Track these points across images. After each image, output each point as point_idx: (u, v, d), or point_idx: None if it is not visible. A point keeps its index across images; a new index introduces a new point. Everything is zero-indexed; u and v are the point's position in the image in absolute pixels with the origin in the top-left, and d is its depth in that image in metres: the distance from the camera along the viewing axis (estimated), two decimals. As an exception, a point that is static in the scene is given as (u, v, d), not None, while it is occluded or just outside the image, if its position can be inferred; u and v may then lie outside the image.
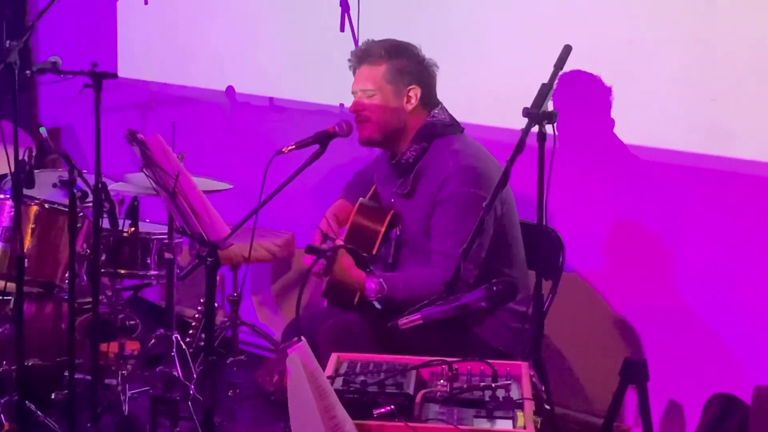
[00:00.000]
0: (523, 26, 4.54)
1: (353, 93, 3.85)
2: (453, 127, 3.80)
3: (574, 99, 4.29)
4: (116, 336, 4.59)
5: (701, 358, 4.19)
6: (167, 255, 4.46)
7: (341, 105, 5.04)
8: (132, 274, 4.58)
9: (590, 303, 4.49)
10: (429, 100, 3.80)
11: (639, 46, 4.22)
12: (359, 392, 2.81)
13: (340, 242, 3.68)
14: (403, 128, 3.77)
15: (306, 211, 4.99)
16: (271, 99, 5.49)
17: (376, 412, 2.75)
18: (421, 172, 3.74)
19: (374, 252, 3.73)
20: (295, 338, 2.57)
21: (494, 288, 2.88)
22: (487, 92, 4.55)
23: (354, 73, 3.86)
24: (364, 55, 3.80)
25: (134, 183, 4.51)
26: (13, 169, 3.91)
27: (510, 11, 4.57)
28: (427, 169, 3.73)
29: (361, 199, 3.88)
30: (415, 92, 3.76)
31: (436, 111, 3.79)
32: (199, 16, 5.77)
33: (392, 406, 2.75)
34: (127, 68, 5.88)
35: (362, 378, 2.89)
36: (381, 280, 3.24)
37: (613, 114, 4.31)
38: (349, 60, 3.88)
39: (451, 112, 3.84)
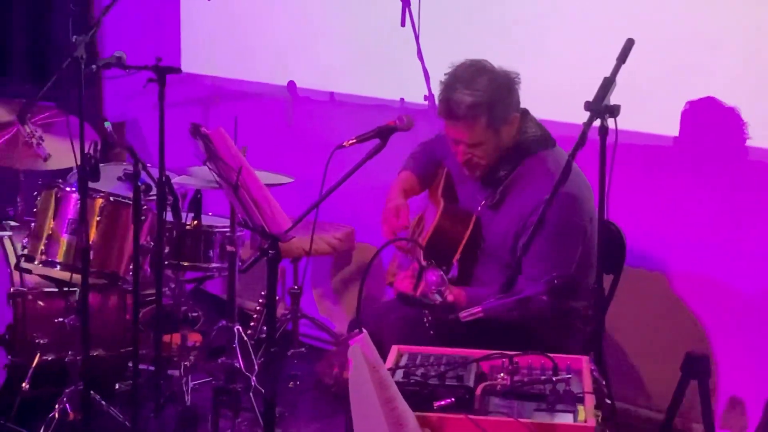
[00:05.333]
0: (585, 19, 4.51)
1: (453, 141, 3.70)
2: (544, 141, 3.69)
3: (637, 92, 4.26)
4: (179, 327, 4.63)
5: (764, 353, 4.14)
6: (229, 248, 4.49)
7: (401, 99, 5.04)
8: (195, 267, 4.61)
9: (652, 298, 4.46)
10: (520, 108, 3.70)
11: (702, 39, 4.18)
12: (420, 384, 2.81)
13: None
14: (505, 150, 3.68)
15: (366, 205, 5.00)
16: (331, 93, 5.50)
17: (436, 404, 2.75)
18: (510, 187, 3.65)
19: (457, 257, 3.68)
20: (357, 330, 2.58)
21: (555, 282, 2.86)
22: (548, 86, 4.51)
23: (446, 122, 3.68)
24: (455, 113, 3.60)
25: (197, 176, 4.54)
26: (79, 163, 3.95)
27: (572, 3, 4.55)
28: (516, 185, 3.64)
29: (443, 201, 3.83)
30: (514, 118, 3.65)
31: (528, 125, 3.68)
32: (261, 12, 5.80)
33: (452, 399, 2.75)
34: (190, 63, 5.93)
35: (423, 370, 2.90)
36: (441, 272, 3.22)
37: (673, 107, 4.27)
38: (438, 111, 3.71)
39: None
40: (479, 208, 3.74)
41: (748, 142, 4.12)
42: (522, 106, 3.73)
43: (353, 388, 2.52)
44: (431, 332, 3.33)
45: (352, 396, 2.53)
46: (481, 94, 3.56)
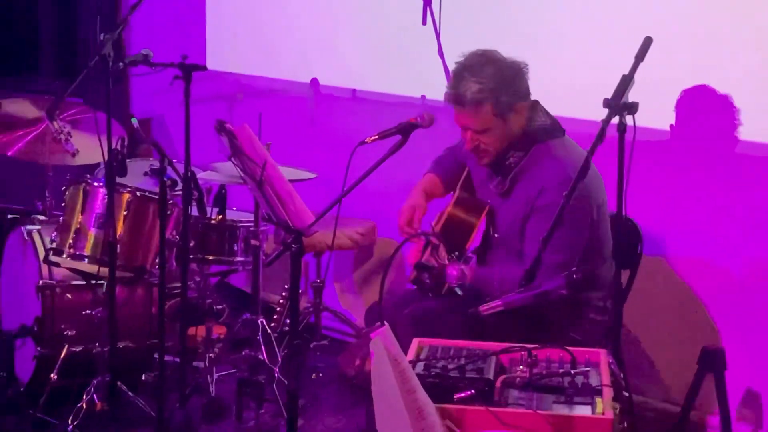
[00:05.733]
0: (604, 17, 4.50)
1: (461, 127, 3.75)
2: (553, 131, 3.72)
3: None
4: (204, 320, 4.65)
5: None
6: (253, 242, 4.50)
7: (422, 96, 5.04)
8: (219, 260, 4.62)
9: (668, 292, 4.45)
10: (529, 97, 3.72)
11: (720, 38, 4.16)
12: (440, 377, 2.82)
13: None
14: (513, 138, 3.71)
15: (388, 201, 5.00)
16: (354, 91, 5.50)
17: (456, 396, 2.76)
18: (519, 174, 3.69)
19: (468, 245, 3.70)
20: (378, 323, 2.59)
21: (574, 276, 2.87)
22: (567, 83, 4.51)
23: (455, 108, 3.73)
24: (462, 100, 3.66)
25: (222, 172, 4.55)
26: (106, 158, 3.97)
27: (591, 2, 4.53)
28: (525, 173, 3.68)
29: (458, 191, 3.85)
30: (522, 107, 3.67)
31: (537, 114, 3.71)
32: (284, 9, 5.81)
33: (472, 391, 2.76)
34: (214, 61, 5.93)
35: (443, 363, 2.91)
36: (463, 267, 3.24)
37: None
38: (445, 98, 3.76)
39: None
40: (488, 196, 3.78)
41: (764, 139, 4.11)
42: (540, 101, 3.75)
43: (375, 379, 2.53)
44: (429, 294, 3.35)
45: (374, 387, 2.54)
46: (487, 82, 3.61)
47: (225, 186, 4.60)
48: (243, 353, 4.54)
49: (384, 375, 2.49)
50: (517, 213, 3.67)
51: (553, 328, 3.57)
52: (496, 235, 3.77)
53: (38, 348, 4.49)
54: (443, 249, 3.51)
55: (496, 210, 3.77)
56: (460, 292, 3.20)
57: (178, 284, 4.33)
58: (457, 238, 3.67)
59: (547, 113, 3.76)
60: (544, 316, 3.49)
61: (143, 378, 4.49)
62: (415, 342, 3.10)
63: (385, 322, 2.58)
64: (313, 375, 4.91)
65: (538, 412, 2.68)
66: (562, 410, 2.73)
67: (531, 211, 3.61)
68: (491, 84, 3.62)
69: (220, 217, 4.54)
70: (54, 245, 4.39)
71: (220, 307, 4.76)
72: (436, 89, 4.93)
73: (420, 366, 2.89)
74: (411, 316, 3.62)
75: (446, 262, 3.46)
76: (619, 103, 2.97)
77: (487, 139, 3.68)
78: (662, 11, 4.28)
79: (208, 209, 4.45)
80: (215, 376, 4.53)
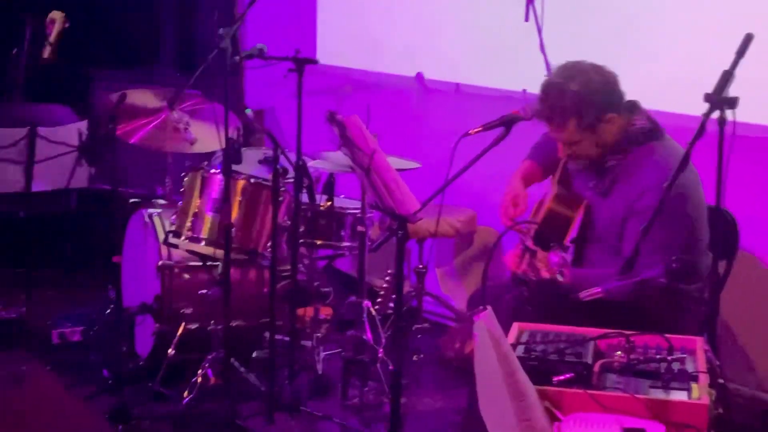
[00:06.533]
0: (704, 12, 4.43)
1: (555, 138, 3.73)
2: (653, 133, 3.64)
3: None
4: (312, 302, 4.70)
5: None
6: (360, 228, 4.53)
7: (524, 91, 5.02)
8: (327, 245, 4.64)
9: (762, 283, 4.37)
10: (622, 108, 3.64)
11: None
12: (540, 360, 2.83)
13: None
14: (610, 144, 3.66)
15: (488, 191, 5.01)
16: (457, 85, 5.51)
17: (555, 379, 2.76)
18: (618, 176, 3.63)
19: (567, 240, 3.67)
20: (482, 306, 2.60)
21: (673, 265, 2.84)
22: (667, 78, 4.45)
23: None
24: (547, 116, 3.62)
25: (330, 161, 4.60)
26: (223, 147, 4.04)
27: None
28: (625, 175, 3.62)
29: (557, 187, 3.83)
30: (612, 117, 3.59)
31: (636, 117, 3.64)
32: (392, 6, 5.84)
33: (571, 374, 2.76)
34: (324, 55, 5.99)
35: (543, 347, 2.91)
36: (563, 254, 3.23)
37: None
38: (535, 113, 3.66)
39: (631, 97, 3.73)
40: (590, 195, 3.73)
41: None
42: (640, 97, 3.69)
43: (478, 361, 2.55)
44: (529, 308, 3.34)
45: (476, 368, 2.56)
46: (571, 98, 3.55)
47: (333, 174, 4.65)
48: (348, 334, 4.58)
49: (486, 356, 2.51)
50: (615, 213, 3.61)
51: (650, 316, 3.53)
52: (592, 232, 3.73)
53: (157, 325, 4.59)
54: (541, 253, 3.49)
55: (594, 208, 3.71)
56: (561, 279, 3.19)
57: (288, 267, 4.40)
58: (556, 232, 3.65)
59: (647, 115, 3.68)
60: (641, 304, 3.46)
61: (254, 355, 4.55)
62: (515, 326, 3.11)
63: (488, 306, 2.59)
64: (415, 356, 4.93)
65: (635, 395, 2.67)
66: (658, 395, 2.71)
67: (631, 213, 3.54)
68: (576, 99, 3.55)
69: (329, 203, 4.57)
70: (173, 228, 4.48)
71: (327, 289, 4.80)
72: (537, 83, 4.93)
73: (520, 349, 2.90)
74: (511, 302, 3.61)
75: (543, 273, 3.41)
76: (720, 98, 2.93)
77: (578, 150, 3.64)
78: (763, 7, 4.20)
79: (317, 196, 4.49)
80: (322, 355, 4.58)
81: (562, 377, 2.76)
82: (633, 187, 3.57)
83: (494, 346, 2.51)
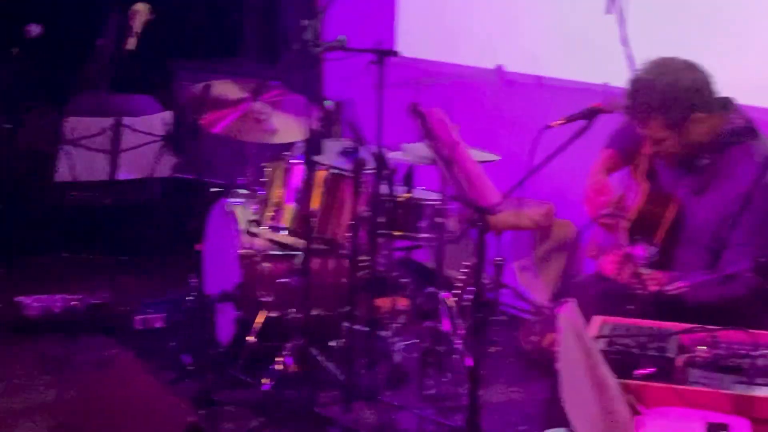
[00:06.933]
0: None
1: (642, 134, 3.68)
2: (748, 132, 3.58)
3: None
4: (389, 292, 4.71)
5: None
6: (438, 219, 4.53)
7: (605, 84, 4.98)
8: (405, 236, 4.64)
9: None
10: (714, 107, 3.57)
11: None
12: (622, 353, 2.81)
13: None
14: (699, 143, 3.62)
15: (566, 183, 4.98)
16: (538, 77, 5.48)
17: (637, 372, 2.75)
18: (713, 174, 3.57)
19: (658, 239, 3.63)
20: (565, 299, 2.59)
21: (762, 260, 2.81)
22: (758, 71, 4.37)
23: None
24: (632, 113, 3.60)
25: (409, 152, 4.60)
26: (305, 138, 4.07)
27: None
28: (720, 174, 3.55)
29: (647, 184, 3.77)
30: (699, 117, 3.53)
31: (732, 115, 3.58)
32: (471, -2, 5.84)
33: (654, 368, 2.74)
34: (404, 47, 6.00)
35: (625, 340, 2.89)
36: (649, 248, 3.20)
37: None
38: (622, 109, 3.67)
39: (724, 93, 3.64)
40: (682, 193, 3.68)
41: None
42: (729, 93, 3.62)
43: (561, 353, 2.54)
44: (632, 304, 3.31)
45: (560, 360, 2.55)
46: (657, 97, 3.50)
47: (412, 166, 4.65)
48: (425, 325, 4.59)
49: (570, 349, 2.50)
50: (711, 213, 3.53)
51: (734, 312, 3.49)
52: (684, 233, 3.65)
53: (238, 312, 4.64)
54: (625, 233, 3.45)
55: (686, 207, 3.63)
56: (647, 272, 3.16)
57: (367, 257, 4.42)
58: (647, 231, 3.60)
59: (742, 114, 3.61)
60: (727, 300, 3.41)
61: (332, 344, 4.58)
62: (597, 319, 3.09)
63: (572, 299, 2.59)
64: (492, 348, 4.92)
65: (719, 391, 2.65)
66: (742, 390, 2.68)
67: (728, 214, 3.45)
68: (662, 98, 3.50)
69: (408, 195, 4.58)
70: (254, 217, 4.53)
71: (405, 280, 4.82)
72: (619, 77, 4.89)
73: (602, 342, 2.89)
74: (595, 296, 3.59)
75: (652, 287, 3.35)
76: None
77: (665, 147, 3.59)
78: None
79: (397, 188, 4.51)
80: (399, 345, 4.60)
81: (644, 371, 2.74)
82: (730, 188, 3.50)
83: (577, 339, 2.51)
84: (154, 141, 4.98)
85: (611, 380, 2.59)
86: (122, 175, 4.98)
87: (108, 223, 5.30)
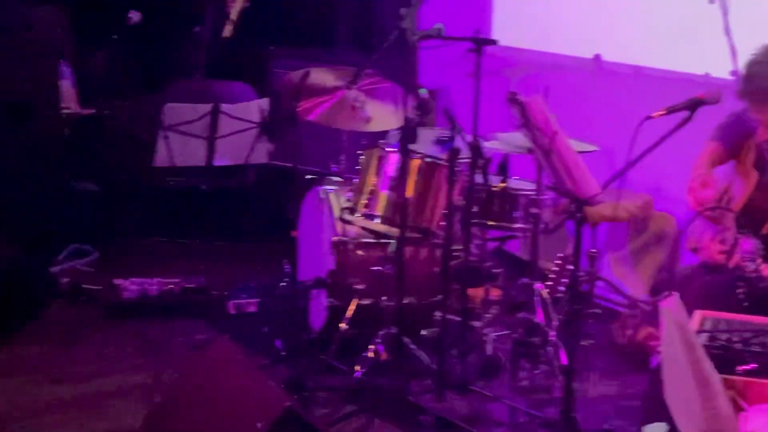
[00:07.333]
0: None
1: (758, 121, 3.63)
2: None
3: None
4: (482, 282, 4.69)
5: None
6: (533, 210, 4.50)
7: (707, 74, 4.89)
8: (500, 226, 4.61)
9: None
10: None
11: None
12: (724, 348, 2.76)
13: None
14: None
15: (666, 175, 4.90)
16: (635, 67, 5.40)
17: (740, 368, 2.69)
18: None
19: (765, 231, 3.54)
20: (668, 292, 2.55)
21: None
22: None
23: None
24: (752, 98, 3.57)
25: (504, 141, 4.57)
26: (401, 126, 4.06)
27: None
28: None
29: (756, 175, 3.69)
30: None
31: None
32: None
33: (756, 365, 2.69)
34: (500, 36, 5.96)
35: (727, 335, 2.84)
36: (757, 241, 3.13)
37: None
38: (737, 94, 3.64)
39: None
40: None
41: None
42: None
43: (665, 346, 2.51)
44: (745, 304, 3.23)
45: (662, 354, 2.52)
46: None
47: (507, 155, 4.62)
48: (518, 316, 4.56)
49: (673, 342, 2.47)
50: None
51: None
52: None
53: (331, 299, 4.66)
54: (733, 224, 3.37)
55: None
56: (752, 267, 3.09)
57: (460, 247, 4.40)
58: (755, 223, 3.52)
59: None
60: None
61: (424, 333, 4.57)
62: (698, 314, 3.04)
63: (675, 292, 2.54)
64: (585, 341, 4.87)
65: (826, 389, 2.58)
66: None
67: None
68: None
69: (503, 184, 4.55)
70: (348, 205, 4.54)
71: (498, 270, 4.79)
72: (721, 67, 4.80)
73: (704, 337, 2.84)
74: (697, 290, 3.52)
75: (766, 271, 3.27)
76: None
77: None
78: None
79: (491, 177, 4.48)
80: (491, 336, 4.57)
81: (746, 367, 2.69)
82: None
83: (681, 333, 2.46)
84: (251, 128, 5.02)
85: (714, 375, 2.55)
86: (218, 161, 5.03)
87: (204, 209, 5.36)
